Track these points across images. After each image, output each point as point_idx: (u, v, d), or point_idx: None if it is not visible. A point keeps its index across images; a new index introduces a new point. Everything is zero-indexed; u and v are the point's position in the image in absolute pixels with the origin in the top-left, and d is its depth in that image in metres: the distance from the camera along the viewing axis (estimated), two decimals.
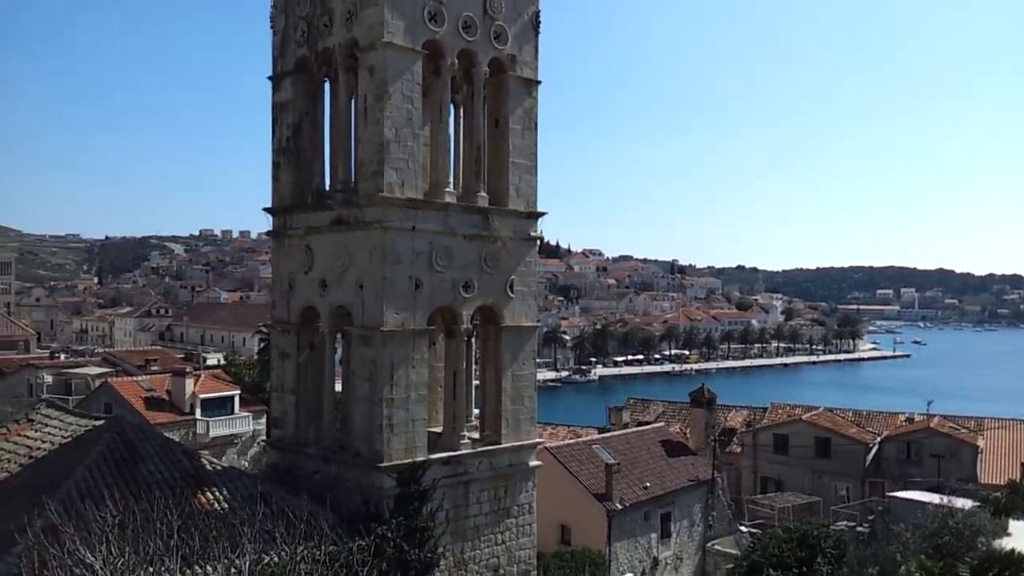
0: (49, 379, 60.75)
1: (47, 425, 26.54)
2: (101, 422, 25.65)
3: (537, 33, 26.98)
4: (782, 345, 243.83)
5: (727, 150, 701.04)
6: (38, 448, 24.70)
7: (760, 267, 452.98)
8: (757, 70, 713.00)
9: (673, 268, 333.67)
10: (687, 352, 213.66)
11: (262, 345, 64.87)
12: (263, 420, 51.71)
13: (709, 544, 41.50)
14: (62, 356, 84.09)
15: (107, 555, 15.45)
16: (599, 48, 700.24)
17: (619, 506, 36.78)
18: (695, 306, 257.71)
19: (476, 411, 27.68)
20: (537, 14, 26.97)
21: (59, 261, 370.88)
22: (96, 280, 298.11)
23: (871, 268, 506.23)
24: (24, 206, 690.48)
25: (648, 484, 39.31)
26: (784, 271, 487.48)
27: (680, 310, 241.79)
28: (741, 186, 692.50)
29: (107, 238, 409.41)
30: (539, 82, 27.03)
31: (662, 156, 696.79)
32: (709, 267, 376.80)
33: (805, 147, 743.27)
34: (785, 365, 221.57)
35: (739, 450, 56.11)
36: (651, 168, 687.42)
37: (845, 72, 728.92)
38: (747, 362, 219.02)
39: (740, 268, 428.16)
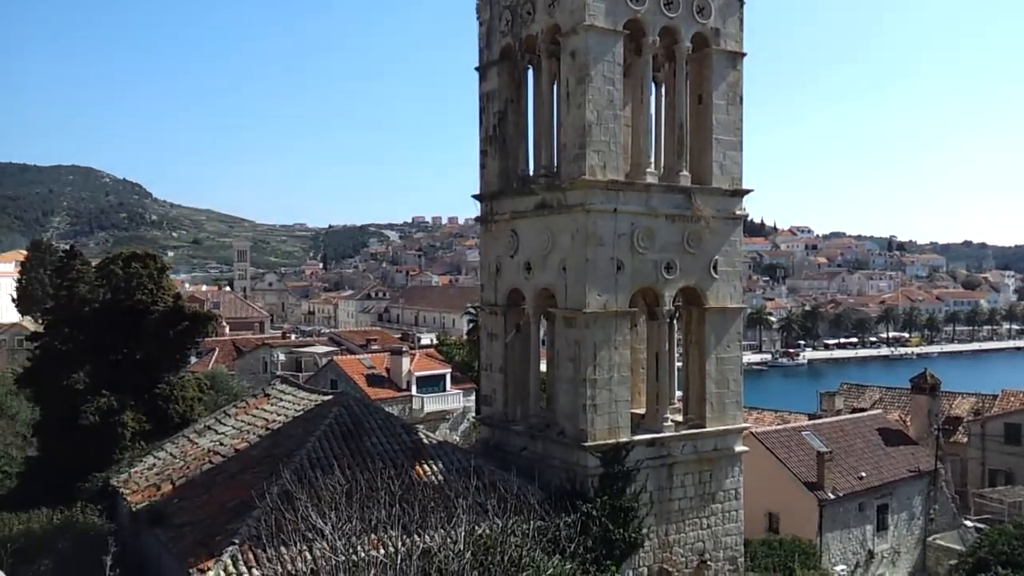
0: (282, 357, 65.93)
1: (281, 399, 28.98)
2: (329, 397, 27.68)
3: (742, 4, 26.11)
4: (1015, 327, 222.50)
5: (950, 115, 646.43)
6: (274, 420, 27.01)
7: (989, 242, 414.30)
8: (983, 29, 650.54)
9: (891, 245, 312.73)
10: (907, 335, 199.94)
11: (471, 326, 67.24)
12: (472, 397, 53.81)
13: (930, 538, 39.01)
14: (292, 336, 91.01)
15: (335, 521, 16.66)
16: (807, 6, 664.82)
17: (831, 496, 35.26)
18: (916, 285, 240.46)
19: (679, 393, 27.45)
20: None
21: (288, 248, 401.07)
22: (321, 265, 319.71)
23: None
24: (257, 199, 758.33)
25: (863, 474, 37.44)
26: (1017, 246, 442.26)
27: (899, 290, 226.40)
28: (966, 154, 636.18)
29: (330, 226, 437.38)
30: (744, 54, 26.17)
31: (877, 124, 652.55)
32: (931, 243, 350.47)
33: None
34: (1018, 349, 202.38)
35: (965, 440, 52.24)
36: (865, 138, 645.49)
37: None
38: (975, 345, 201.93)
39: (967, 244, 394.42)
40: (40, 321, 44.10)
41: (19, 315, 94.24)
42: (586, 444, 23.17)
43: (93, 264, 37.23)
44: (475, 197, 28.09)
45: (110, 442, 30.80)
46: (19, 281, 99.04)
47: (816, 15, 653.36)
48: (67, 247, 43.82)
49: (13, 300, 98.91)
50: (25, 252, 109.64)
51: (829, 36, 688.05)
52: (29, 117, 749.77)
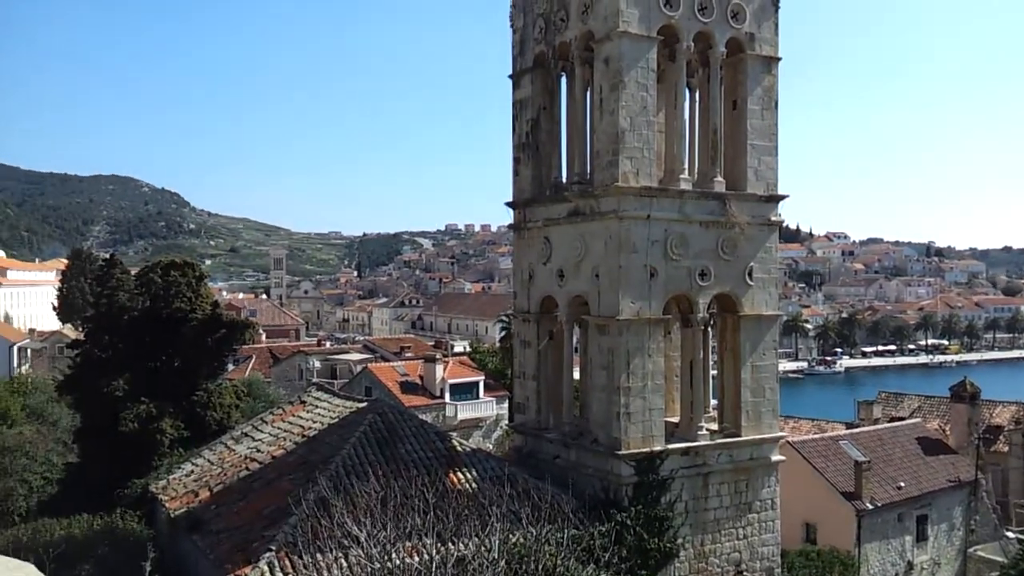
0: (317, 364, 66.29)
1: (317, 406, 29.18)
2: (364, 404, 27.83)
3: (777, 8, 25.91)
4: None
5: (990, 119, 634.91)
6: (310, 427, 27.19)
7: None
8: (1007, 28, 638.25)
9: (929, 251, 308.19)
10: (946, 342, 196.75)
11: (503, 333, 67.29)
12: (505, 405, 53.82)
13: (971, 550, 38.29)
14: (327, 343, 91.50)
15: (371, 528, 16.67)
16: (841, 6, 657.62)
17: (869, 506, 34.77)
18: (955, 292, 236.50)
19: (713, 402, 27.23)
20: None
21: (323, 256, 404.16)
22: (355, 273, 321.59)
23: None
24: (293, 208, 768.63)
25: (902, 484, 36.89)
26: None
27: (938, 296, 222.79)
28: (1006, 157, 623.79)
29: (364, 235, 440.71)
30: (779, 59, 25.97)
31: (916, 127, 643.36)
32: (971, 249, 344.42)
33: None
34: None
35: (1006, 449, 51.07)
36: (903, 141, 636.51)
37: None
38: (1016, 353, 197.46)
39: (1007, 249, 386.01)
40: (80, 329, 44.86)
41: (60, 323, 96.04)
42: (620, 452, 23.05)
43: (132, 272, 37.75)
44: (508, 204, 28.13)
45: (149, 449, 31.17)
46: (60, 289, 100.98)
47: (854, 11, 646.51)
48: (107, 256, 44.48)
49: (54, 308, 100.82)
50: (66, 261, 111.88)
51: (867, 37, 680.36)
52: (69, 128, 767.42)
